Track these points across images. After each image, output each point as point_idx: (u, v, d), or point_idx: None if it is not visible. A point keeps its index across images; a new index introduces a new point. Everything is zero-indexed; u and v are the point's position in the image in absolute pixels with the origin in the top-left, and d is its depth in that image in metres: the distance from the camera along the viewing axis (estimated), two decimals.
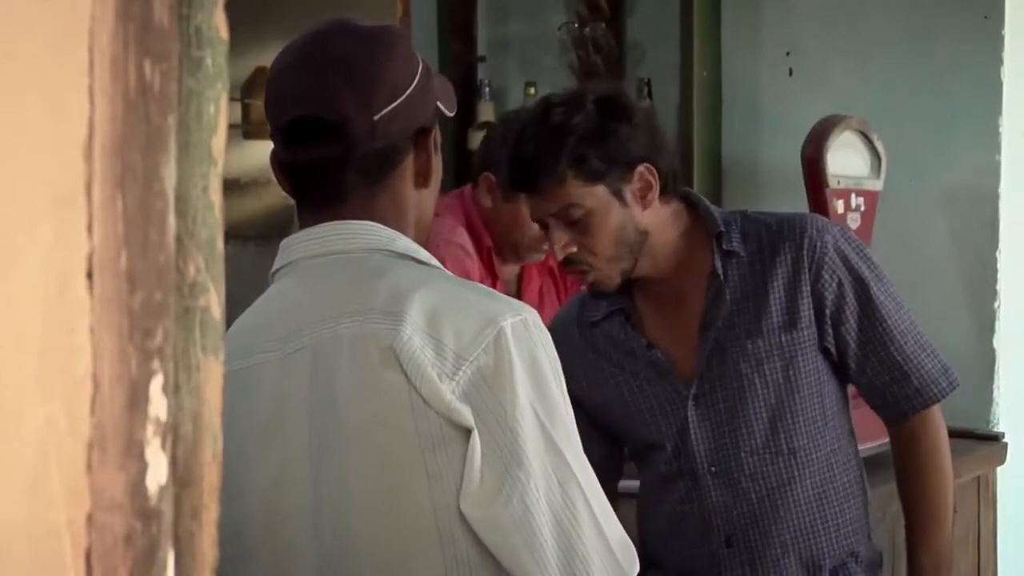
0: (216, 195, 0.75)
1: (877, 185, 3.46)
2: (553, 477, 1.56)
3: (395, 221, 1.70)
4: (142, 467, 0.69)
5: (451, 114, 1.80)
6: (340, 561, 1.61)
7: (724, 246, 2.36)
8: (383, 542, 1.58)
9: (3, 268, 0.65)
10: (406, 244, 1.69)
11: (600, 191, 2.30)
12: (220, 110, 0.75)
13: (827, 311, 2.34)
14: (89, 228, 0.66)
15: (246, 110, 5.13)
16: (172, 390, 0.71)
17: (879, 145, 3.45)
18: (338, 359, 1.60)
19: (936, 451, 2.39)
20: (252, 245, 5.03)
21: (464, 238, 3.32)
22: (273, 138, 1.71)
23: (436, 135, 1.74)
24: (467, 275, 3.23)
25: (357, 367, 1.58)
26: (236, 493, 1.61)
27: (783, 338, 2.34)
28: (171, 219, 0.71)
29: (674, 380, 2.38)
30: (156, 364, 0.69)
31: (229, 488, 1.63)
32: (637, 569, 1.64)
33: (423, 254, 1.70)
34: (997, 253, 3.66)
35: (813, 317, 2.34)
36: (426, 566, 1.57)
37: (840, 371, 2.40)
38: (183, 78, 0.73)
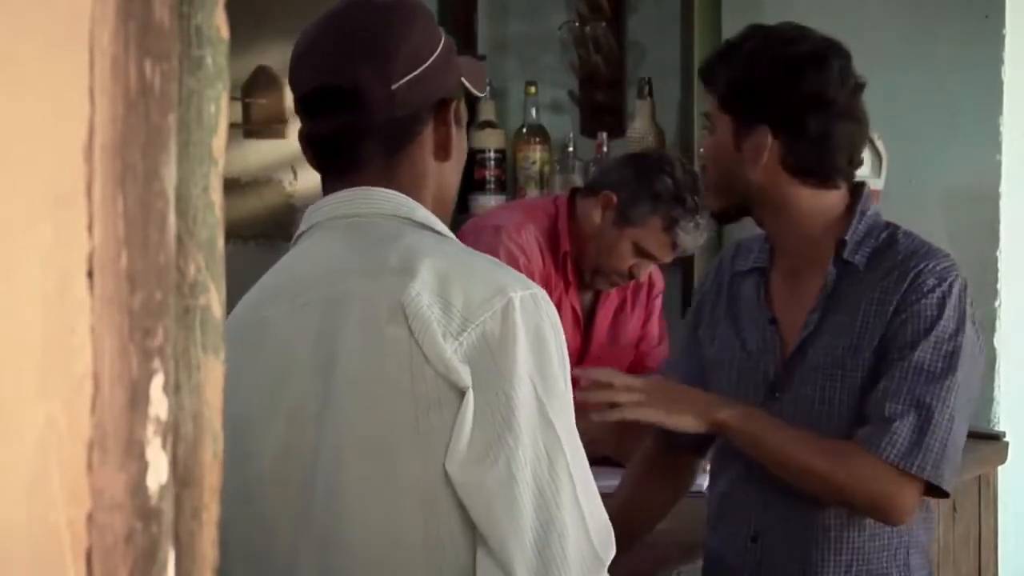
0: (216, 194, 0.75)
1: (878, 184, 3.46)
2: (543, 449, 1.57)
3: (413, 191, 1.71)
4: (142, 467, 0.69)
5: (480, 94, 1.83)
6: (329, 524, 1.61)
7: (844, 255, 2.32)
8: (369, 504, 1.59)
9: (3, 268, 0.65)
10: (425, 214, 1.70)
11: (726, 121, 2.34)
12: (221, 109, 0.75)
13: (884, 342, 2.27)
14: (89, 228, 0.66)
15: (247, 109, 5.13)
16: (173, 389, 0.71)
17: (879, 145, 3.45)
18: (346, 315, 1.61)
19: (844, 480, 2.26)
20: (252, 244, 5.03)
21: (528, 238, 3.32)
22: (296, 110, 1.74)
23: (460, 109, 1.75)
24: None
25: (364, 322, 1.60)
26: (244, 455, 1.63)
27: (848, 360, 2.29)
28: (171, 218, 0.71)
29: (770, 365, 2.38)
30: (156, 363, 0.69)
31: (236, 449, 1.66)
32: (612, 554, 1.63)
33: (440, 225, 1.71)
34: (997, 253, 3.65)
35: (877, 347, 2.28)
36: (409, 530, 1.57)
37: None
38: (183, 77, 0.73)
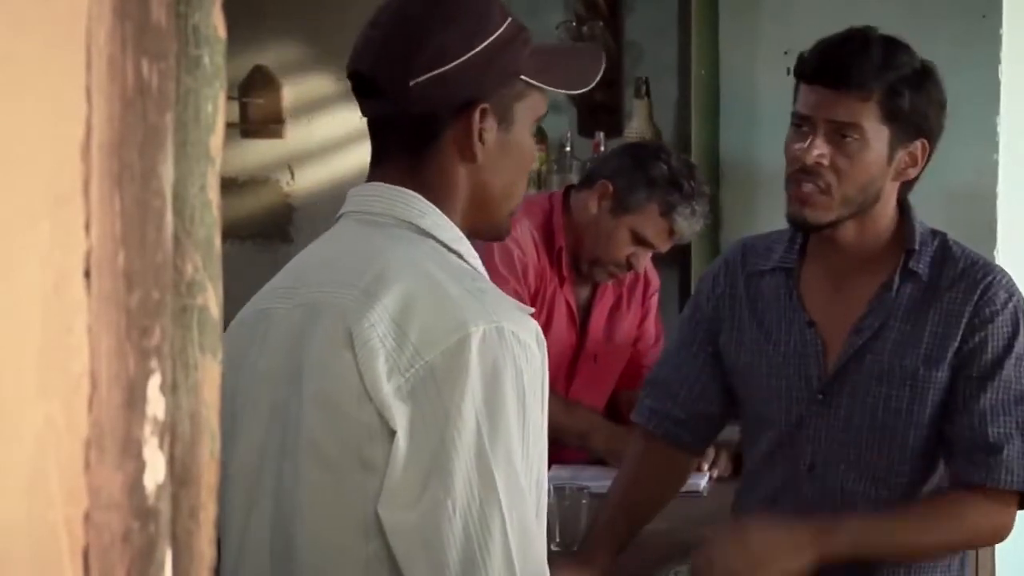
0: (214, 194, 0.75)
1: None
2: (476, 498, 1.50)
3: (439, 193, 1.66)
4: (140, 466, 0.69)
5: (571, 91, 1.76)
6: (282, 523, 1.61)
7: (911, 265, 2.31)
8: (319, 512, 1.58)
9: (1, 267, 0.65)
10: (433, 222, 1.65)
11: (885, 134, 2.27)
12: (218, 109, 0.75)
13: (957, 357, 2.28)
14: (87, 227, 0.66)
15: (244, 109, 5.13)
16: (170, 389, 0.71)
17: None
18: (314, 326, 1.60)
19: (967, 535, 2.31)
20: (250, 244, 5.03)
21: (523, 232, 3.32)
22: None
23: (511, 110, 1.66)
24: (513, 265, 3.24)
25: (326, 339, 1.58)
26: (231, 440, 1.64)
27: (921, 371, 2.28)
28: (169, 218, 0.71)
29: (812, 368, 2.34)
30: (154, 363, 0.69)
31: (228, 434, 1.68)
32: None
33: (448, 234, 1.65)
34: (995, 252, 3.65)
35: (953, 361, 2.28)
36: (352, 545, 1.56)
37: None
38: (181, 77, 0.73)
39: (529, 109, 1.69)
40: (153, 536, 0.69)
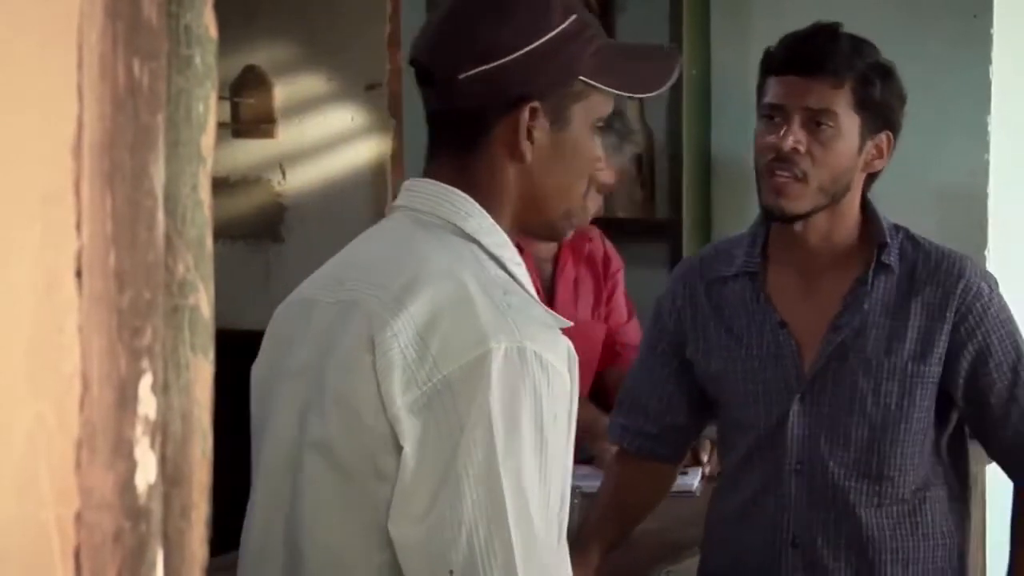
0: (205, 193, 0.75)
1: None
2: (484, 518, 1.47)
3: (487, 193, 1.61)
4: (131, 466, 0.69)
5: (635, 95, 1.71)
6: (295, 521, 1.60)
7: (883, 258, 2.32)
8: (328, 515, 1.56)
9: None
10: (477, 225, 1.60)
11: (856, 122, 2.28)
12: (209, 108, 0.75)
13: (963, 358, 2.30)
14: (78, 226, 0.66)
15: (235, 108, 5.12)
16: (161, 389, 0.71)
17: None
18: (344, 325, 1.57)
19: None
20: (241, 244, 5.02)
21: None
22: None
23: (567, 109, 1.61)
24: None
25: (351, 340, 1.55)
26: (263, 430, 1.65)
27: (910, 366, 2.30)
28: (160, 217, 0.71)
29: (789, 369, 2.34)
30: (145, 363, 0.69)
31: (263, 422, 1.66)
32: None
33: (490, 239, 1.61)
34: (986, 252, 3.66)
35: (944, 357, 2.30)
36: (362, 561, 1.54)
37: (947, 415, 2.36)
38: (172, 76, 0.73)
39: (588, 110, 1.63)
40: (144, 536, 0.69)
